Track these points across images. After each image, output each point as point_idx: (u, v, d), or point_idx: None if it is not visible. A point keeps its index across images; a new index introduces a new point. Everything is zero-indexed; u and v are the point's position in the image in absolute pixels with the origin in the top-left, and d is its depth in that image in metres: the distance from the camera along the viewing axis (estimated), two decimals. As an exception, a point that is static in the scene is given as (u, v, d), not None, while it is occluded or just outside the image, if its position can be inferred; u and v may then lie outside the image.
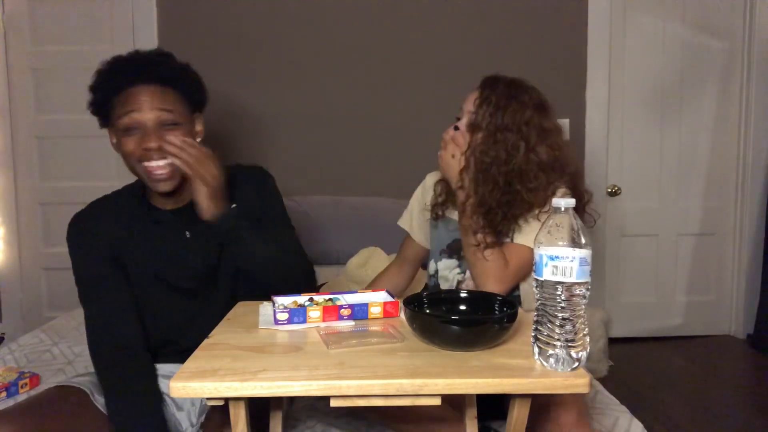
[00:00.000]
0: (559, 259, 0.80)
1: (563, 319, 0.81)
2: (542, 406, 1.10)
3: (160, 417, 1.23)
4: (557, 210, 0.83)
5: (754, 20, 3.05)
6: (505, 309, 0.96)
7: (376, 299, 1.12)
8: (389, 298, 1.14)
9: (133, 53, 1.28)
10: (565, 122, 2.85)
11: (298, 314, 1.03)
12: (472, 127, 1.43)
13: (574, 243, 0.81)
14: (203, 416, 1.32)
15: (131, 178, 1.36)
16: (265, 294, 1.21)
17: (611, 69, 3.03)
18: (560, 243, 0.81)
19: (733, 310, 3.28)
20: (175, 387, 0.78)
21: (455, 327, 0.90)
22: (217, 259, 1.33)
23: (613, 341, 2.93)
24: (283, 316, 1.02)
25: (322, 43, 2.92)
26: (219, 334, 0.99)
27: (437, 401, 0.80)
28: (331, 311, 1.05)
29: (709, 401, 2.49)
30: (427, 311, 1.01)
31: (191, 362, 0.85)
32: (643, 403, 2.45)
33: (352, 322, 1.05)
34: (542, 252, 0.82)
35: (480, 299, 1.04)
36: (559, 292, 0.81)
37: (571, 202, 0.83)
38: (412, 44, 2.94)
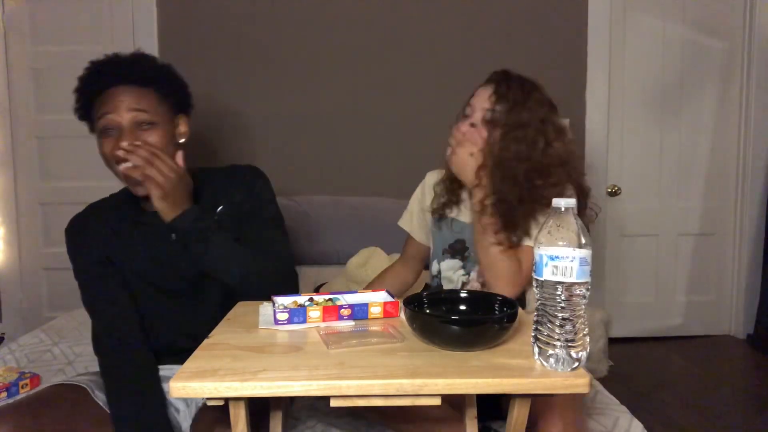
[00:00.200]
0: (559, 259, 0.80)
1: (563, 319, 0.81)
2: (542, 406, 1.09)
3: (164, 414, 1.23)
4: (557, 210, 0.83)
5: (754, 20, 3.05)
6: (505, 309, 0.96)
7: (376, 299, 1.12)
8: (389, 298, 1.14)
9: (111, 56, 1.29)
10: (565, 122, 2.85)
11: (298, 314, 1.03)
12: (490, 124, 1.41)
13: (574, 243, 0.81)
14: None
15: None
16: (244, 296, 1.21)
17: (611, 69, 3.03)
18: (560, 243, 0.81)
19: (733, 310, 3.28)
20: (175, 387, 0.78)
21: (455, 327, 0.90)
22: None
23: (613, 341, 2.93)
24: (283, 316, 1.02)
25: (322, 43, 2.92)
26: (219, 334, 0.99)
27: (437, 401, 0.80)
28: (331, 311, 1.05)
29: (709, 401, 2.49)
30: (427, 311, 1.01)
31: (191, 362, 0.85)
32: (643, 403, 2.45)
33: (352, 322, 1.05)
34: (542, 252, 0.82)
35: (480, 299, 1.04)
36: (559, 292, 0.81)
37: (572, 201, 0.83)
38: (412, 44, 2.94)
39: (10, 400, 1.46)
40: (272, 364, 0.85)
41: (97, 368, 1.32)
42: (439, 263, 1.53)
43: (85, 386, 1.26)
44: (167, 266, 1.33)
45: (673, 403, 2.47)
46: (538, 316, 0.84)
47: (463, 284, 1.48)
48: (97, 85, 1.26)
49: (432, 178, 1.62)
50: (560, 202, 0.83)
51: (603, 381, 2.31)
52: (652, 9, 3.07)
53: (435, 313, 1.00)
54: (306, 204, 2.76)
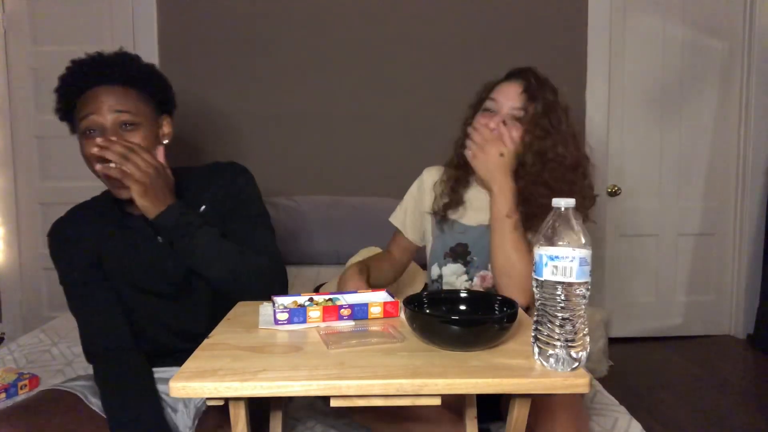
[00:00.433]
0: (559, 259, 0.80)
1: (563, 319, 0.81)
2: (542, 408, 1.09)
3: (159, 414, 1.22)
4: (557, 210, 0.83)
5: (754, 20, 3.05)
6: (505, 309, 0.96)
7: (376, 299, 1.12)
8: (389, 298, 1.14)
9: (94, 55, 1.26)
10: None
11: (298, 314, 1.03)
12: (528, 123, 1.34)
13: (574, 243, 0.81)
14: (197, 419, 1.32)
15: None
16: (232, 294, 1.20)
17: (611, 69, 3.03)
18: (560, 243, 0.81)
19: (733, 310, 3.28)
20: (175, 387, 0.78)
21: (455, 327, 0.90)
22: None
23: (613, 341, 2.93)
24: (283, 316, 1.02)
25: (323, 42, 2.92)
26: (219, 334, 0.99)
27: (437, 401, 0.80)
28: (331, 311, 1.04)
29: (709, 401, 2.49)
30: (427, 311, 1.00)
31: (191, 362, 0.85)
32: (643, 403, 2.45)
33: (352, 322, 1.05)
34: (542, 252, 0.82)
35: (480, 299, 1.04)
36: (559, 292, 0.81)
37: (571, 201, 0.83)
38: (411, 44, 2.94)
39: (9, 402, 1.47)
40: (272, 364, 0.85)
41: (95, 369, 1.31)
42: (440, 267, 1.48)
43: (78, 394, 1.25)
44: (154, 268, 1.30)
45: (673, 403, 2.47)
46: (538, 316, 0.84)
47: None
48: (79, 84, 1.23)
49: (430, 175, 1.56)
50: (560, 202, 0.83)
51: (603, 381, 2.32)
52: (652, 9, 3.07)
53: (435, 313, 1.00)
54: (306, 204, 2.76)
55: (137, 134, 1.23)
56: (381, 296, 1.16)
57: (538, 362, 0.83)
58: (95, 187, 1.35)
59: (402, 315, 1.05)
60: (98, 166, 1.19)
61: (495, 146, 1.33)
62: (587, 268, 0.81)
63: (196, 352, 0.90)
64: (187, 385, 0.78)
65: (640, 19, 3.08)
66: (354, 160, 2.97)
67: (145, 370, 1.28)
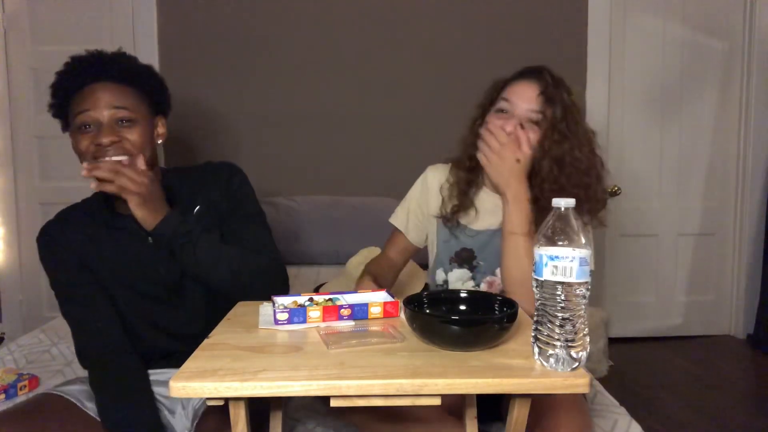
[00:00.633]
0: (559, 259, 0.80)
1: (563, 319, 0.81)
2: (545, 409, 1.08)
3: (155, 417, 1.22)
4: (557, 210, 0.83)
5: (754, 20, 3.05)
6: (505, 309, 0.96)
7: (376, 299, 1.12)
8: (389, 298, 1.14)
9: (93, 52, 1.26)
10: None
11: (298, 314, 1.03)
12: (546, 127, 1.29)
13: (574, 243, 0.81)
14: (196, 421, 1.32)
15: None
16: (231, 299, 1.19)
17: (611, 69, 3.03)
18: (560, 243, 0.81)
19: (733, 310, 3.28)
20: (175, 387, 0.78)
21: (455, 327, 0.90)
22: (168, 255, 1.27)
23: (613, 341, 2.93)
24: (283, 316, 1.02)
25: (322, 43, 2.92)
26: (219, 334, 0.99)
27: (437, 401, 0.80)
28: (331, 311, 1.04)
29: (709, 401, 2.49)
30: (427, 311, 1.00)
31: (191, 362, 0.85)
32: (643, 403, 2.45)
33: (352, 322, 1.05)
34: (542, 252, 0.82)
35: (480, 299, 1.04)
36: (559, 292, 0.81)
37: (571, 202, 0.83)
38: (411, 44, 2.94)
39: (9, 402, 1.47)
40: (272, 364, 0.85)
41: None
42: (445, 273, 1.44)
43: (73, 399, 1.24)
44: (146, 269, 1.30)
45: (673, 403, 2.47)
46: (538, 316, 0.84)
47: None
48: (77, 81, 1.23)
49: (435, 175, 1.49)
50: (560, 202, 0.83)
51: (603, 381, 2.32)
52: (652, 9, 3.07)
53: (435, 313, 1.00)
54: (306, 204, 2.76)
55: (134, 131, 1.23)
56: (381, 296, 1.16)
57: (538, 362, 0.83)
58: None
59: (402, 315, 1.05)
60: (93, 185, 1.17)
61: (512, 151, 1.27)
62: (587, 268, 0.81)
63: (196, 352, 0.90)
64: (187, 385, 0.78)
65: (640, 19, 3.08)
66: (354, 160, 2.97)
67: (140, 372, 1.28)
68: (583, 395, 1.28)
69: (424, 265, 1.87)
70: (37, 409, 1.20)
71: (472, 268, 1.42)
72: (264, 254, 1.29)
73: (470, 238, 1.41)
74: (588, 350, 0.83)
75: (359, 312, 1.06)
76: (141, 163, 1.21)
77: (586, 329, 0.83)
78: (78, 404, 1.23)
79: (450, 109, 2.94)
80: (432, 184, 1.49)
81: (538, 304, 0.84)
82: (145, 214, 1.17)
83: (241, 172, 1.39)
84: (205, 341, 0.95)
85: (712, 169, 3.20)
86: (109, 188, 1.15)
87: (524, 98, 1.31)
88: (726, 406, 2.46)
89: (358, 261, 2.29)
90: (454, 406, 1.14)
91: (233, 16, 2.89)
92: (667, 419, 2.32)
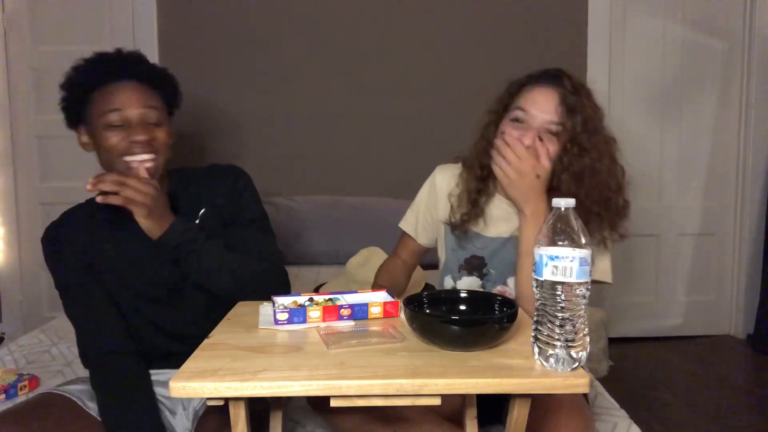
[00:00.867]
0: (559, 259, 0.80)
1: (563, 319, 0.81)
2: (547, 409, 1.08)
3: (156, 417, 1.22)
4: (557, 210, 0.83)
5: (754, 20, 3.05)
6: (505, 309, 0.96)
7: (376, 299, 1.12)
8: (389, 298, 1.14)
9: (116, 50, 1.27)
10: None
11: (298, 314, 1.03)
12: (566, 140, 1.22)
13: (574, 243, 0.81)
14: (195, 422, 1.31)
15: None
16: (233, 301, 1.19)
17: (611, 69, 3.03)
18: (560, 243, 0.81)
19: (733, 310, 3.28)
20: (175, 387, 0.78)
21: (455, 327, 0.90)
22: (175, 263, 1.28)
23: (613, 341, 2.93)
24: (283, 316, 1.02)
25: (322, 43, 2.92)
26: (219, 334, 0.99)
27: (437, 401, 0.80)
28: (331, 311, 1.04)
29: (709, 401, 2.49)
30: (427, 311, 1.00)
31: (191, 362, 0.85)
32: (643, 404, 2.45)
33: (352, 322, 1.04)
34: (542, 252, 0.82)
35: (480, 299, 1.04)
36: (559, 292, 0.81)
37: (571, 202, 0.83)
38: (411, 45, 2.94)
39: (9, 403, 1.46)
40: (272, 364, 0.85)
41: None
42: (454, 280, 1.40)
43: (75, 399, 1.24)
44: (148, 270, 1.30)
45: (673, 403, 2.47)
46: (538, 316, 0.84)
47: None
48: (102, 76, 1.23)
49: (444, 178, 1.43)
50: (560, 202, 0.83)
51: (603, 381, 2.32)
52: (652, 9, 3.07)
53: (435, 313, 1.00)
54: (306, 204, 2.76)
55: (161, 131, 1.25)
56: (381, 296, 1.16)
57: (538, 362, 0.83)
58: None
59: (402, 315, 1.05)
60: (99, 198, 1.16)
61: (531, 167, 1.20)
62: (587, 268, 0.81)
63: (196, 352, 0.90)
64: (187, 385, 0.78)
65: (640, 19, 3.08)
66: (354, 160, 2.97)
67: (142, 373, 1.28)
68: (585, 397, 1.28)
69: (425, 265, 1.87)
70: (39, 408, 1.20)
71: (482, 276, 1.38)
72: (266, 260, 1.30)
73: (481, 246, 1.36)
74: (588, 350, 0.83)
75: (359, 312, 1.06)
76: (142, 172, 1.21)
77: (586, 329, 0.83)
78: (80, 404, 1.24)
79: (450, 109, 2.94)
80: (441, 188, 1.43)
81: (538, 304, 0.84)
82: (150, 224, 1.18)
83: (246, 175, 1.40)
84: (205, 341, 0.95)
85: (712, 169, 3.20)
86: (114, 200, 1.15)
87: (543, 108, 1.25)
88: (726, 406, 2.46)
89: (358, 261, 2.29)
90: (453, 411, 1.13)
91: (233, 16, 2.90)
92: (667, 419, 2.32)
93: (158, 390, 1.30)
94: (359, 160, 2.97)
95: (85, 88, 1.25)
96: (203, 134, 2.90)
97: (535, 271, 0.84)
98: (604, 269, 1.33)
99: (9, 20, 2.90)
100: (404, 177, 2.93)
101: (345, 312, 1.05)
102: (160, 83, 1.29)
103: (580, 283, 0.81)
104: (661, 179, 3.19)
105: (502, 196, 1.37)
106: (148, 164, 1.23)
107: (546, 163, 1.23)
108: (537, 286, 0.84)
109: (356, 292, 1.18)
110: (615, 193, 1.27)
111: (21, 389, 1.56)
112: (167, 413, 1.33)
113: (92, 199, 1.38)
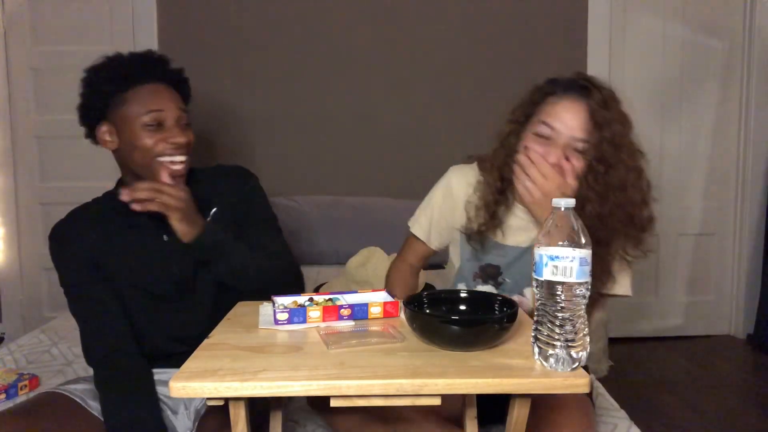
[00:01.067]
0: (559, 259, 0.80)
1: (563, 319, 0.81)
2: (548, 410, 1.08)
3: (157, 417, 1.22)
4: (557, 210, 0.83)
5: (754, 20, 3.05)
6: (505, 309, 0.96)
7: (376, 299, 1.12)
8: (389, 298, 1.14)
9: (144, 51, 1.31)
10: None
11: (298, 314, 1.03)
12: (592, 157, 1.16)
13: (574, 243, 0.81)
14: (197, 421, 1.31)
15: None
16: (249, 298, 1.20)
17: (611, 69, 3.03)
18: (560, 243, 0.81)
19: (733, 310, 3.28)
20: (175, 387, 0.78)
21: (455, 327, 0.90)
22: (195, 264, 1.30)
23: (613, 341, 2.93)
24: (283, 316, 1.02)
25: (322, 43, 2.92)
26: (219, 334, 0.99)
27: (437, 401, 0.80)
28: (331, 311, 1.04)
29: (709, 401, 2.49)
30: (427, 311, 1.00)
31: (191, 362, 0.85)
32: (643, 403, 2.45)
33: (352, 322, 1.05)
34: (542, 252, 0.82)
35: (480, 299, 1.04)
36: (559, 292, 0.81)
37: (571, 202, 0.83)
38: (412, 45, 2.94)
39: (9, 403, 1.46)
40: (272, 364, 0.85)
41: (94, 371, 1.31)
42: (469, 288, 1.36)
43: (77, 398, 1.24)
44: (158, 269, 1.31)
45: (673, 404, 2.47)
46: (538, 316, 0.84)
47: None
48: (139, 77, 1.25)
49: (459, 183, 1.36)
50: (560, 202, 0.83)
51: (603, 381, 2.32)
52: (652, 9, 3.07)
53: (435, 313, 1.00)
54: (306, 204, 2.76)
55: (191, 133, 1.29)
56: (381, 296, 1.16)
57: (538, 362, 0.83)
58: (95, 188, 1.35)
59: (402, 315, 1.05)
60: (136, 206, 1.18)
61: (557, 185, 1.15)
62: (587, 268, 0.81)
63: (196, 352, 0.90)
64: (187, 385, 0.78)
65: (640, 19, 3.08)
66: (354, 160, 2.97)
67: (145, 373, 1.28)
68: (589, 397, 1.28)
69: (426, 265, 1.87)
70: (41, 407, 1.20)
71: (497, 285, 1.34)
72: (283, 258, 1.34)
73: (497, 255, 1.33)
74: (588, 350, 0.83)
75: (359, 312, 1.06)
76: (165, 177, 1.23)
77: (586, 329, 0.83)
78: (81, 403, 1.24)
79: (450, 109, 2.95)
80: (457, 194, 1.36)
81: (538, 304, 0.84)
82: (185, 228, 1.19)
83: (253, 176, 1.42)
84: (205, 341, 0.95)
85: (712, 169, 3.20)
86: (151, 207, 1.18)
87: (570, 124, 1.18)
88: (726, 406, 2.46)
89: (358, 261, 2.29)
90: (452, 413, 1.13)
91: (233, 16, 2.90)
92: (667, 419, 2.32)
93: (160, 389, 1.30)
94: (359, 160, 2.97)
95: (119, 86, 1.25)
96: (202, 135, 2.89)
97: (535, 271, 0.84)
98: (626, 284, 1.33)
99: (9, 20, 2.90)
100: (404, 177, 2.94)
101: (345, 312, 1.05)
102: (183, 86, 1.33)
103: (580, 283, 0.81)
104: (661, 179, 3.19)
105: (519, 204, 1.32)
106: (179, 166, 1.25)
107: (572, 182, 1.18)
108: (537, 286, 0.84)
109: (356, 292, 1.18)
110: (640, 208, 1.21)
111: (21, 389, 1.56)
112: (169, 412, 1.33)
113: (99, 198, 1.40)
